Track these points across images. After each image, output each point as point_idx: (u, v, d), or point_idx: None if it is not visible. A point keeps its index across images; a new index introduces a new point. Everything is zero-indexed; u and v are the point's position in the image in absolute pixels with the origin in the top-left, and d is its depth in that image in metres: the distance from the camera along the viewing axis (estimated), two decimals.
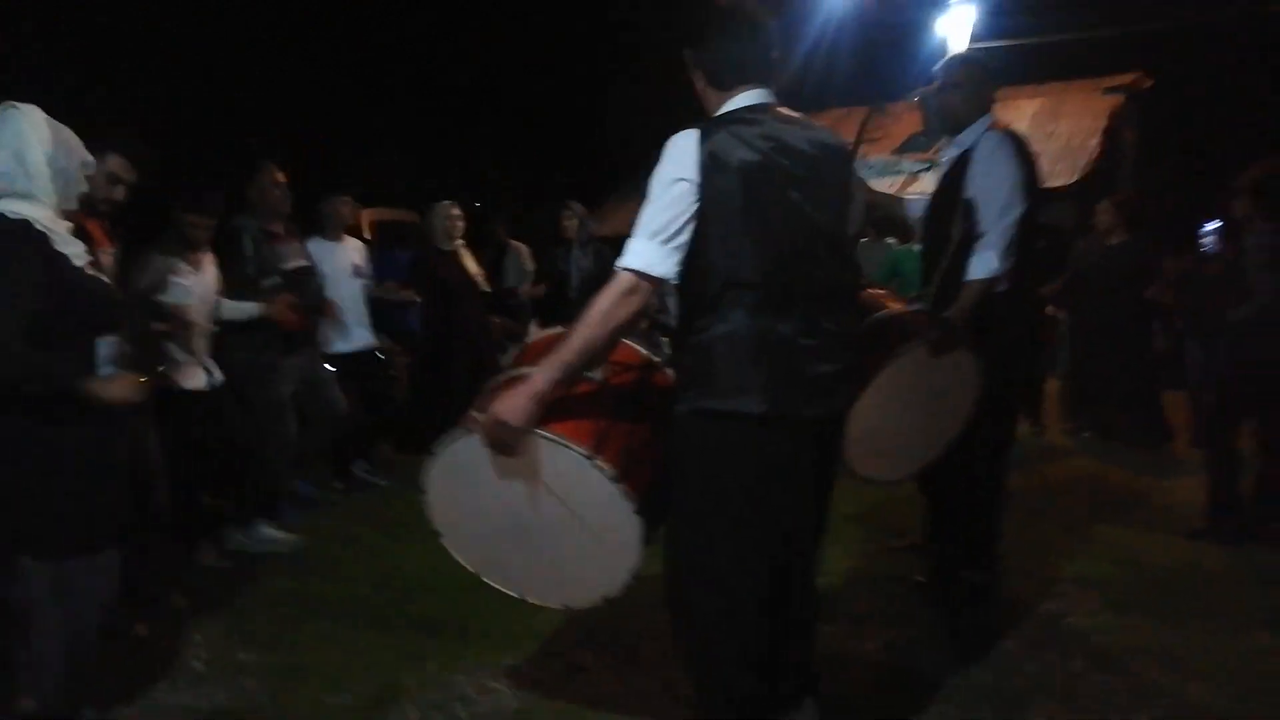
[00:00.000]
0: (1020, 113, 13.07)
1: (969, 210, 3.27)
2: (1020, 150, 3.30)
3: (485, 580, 2.41)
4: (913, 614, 3.42)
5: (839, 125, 13.83)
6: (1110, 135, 12.27)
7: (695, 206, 2.04)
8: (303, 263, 4.37)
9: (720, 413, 2.08)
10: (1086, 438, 6.28)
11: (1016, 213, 3.23)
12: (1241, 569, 3.82)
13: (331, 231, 4.88)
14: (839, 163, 2.26)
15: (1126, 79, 12.76)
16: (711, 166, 2.03)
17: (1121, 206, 6.03)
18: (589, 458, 2.07)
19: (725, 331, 2.07)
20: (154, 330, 3.50)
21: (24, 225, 2.27)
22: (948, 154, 3.47)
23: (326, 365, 4.61)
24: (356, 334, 4.91)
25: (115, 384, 2.38)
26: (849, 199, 2.30)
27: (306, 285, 4.31)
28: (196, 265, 3.79)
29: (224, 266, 3.95)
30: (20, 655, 2.45)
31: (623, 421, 2.22)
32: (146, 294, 3.56)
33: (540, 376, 2.06)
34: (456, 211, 5.54)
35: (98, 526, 2.46)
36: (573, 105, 15.52)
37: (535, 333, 2.37)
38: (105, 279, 2.51)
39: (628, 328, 2.11)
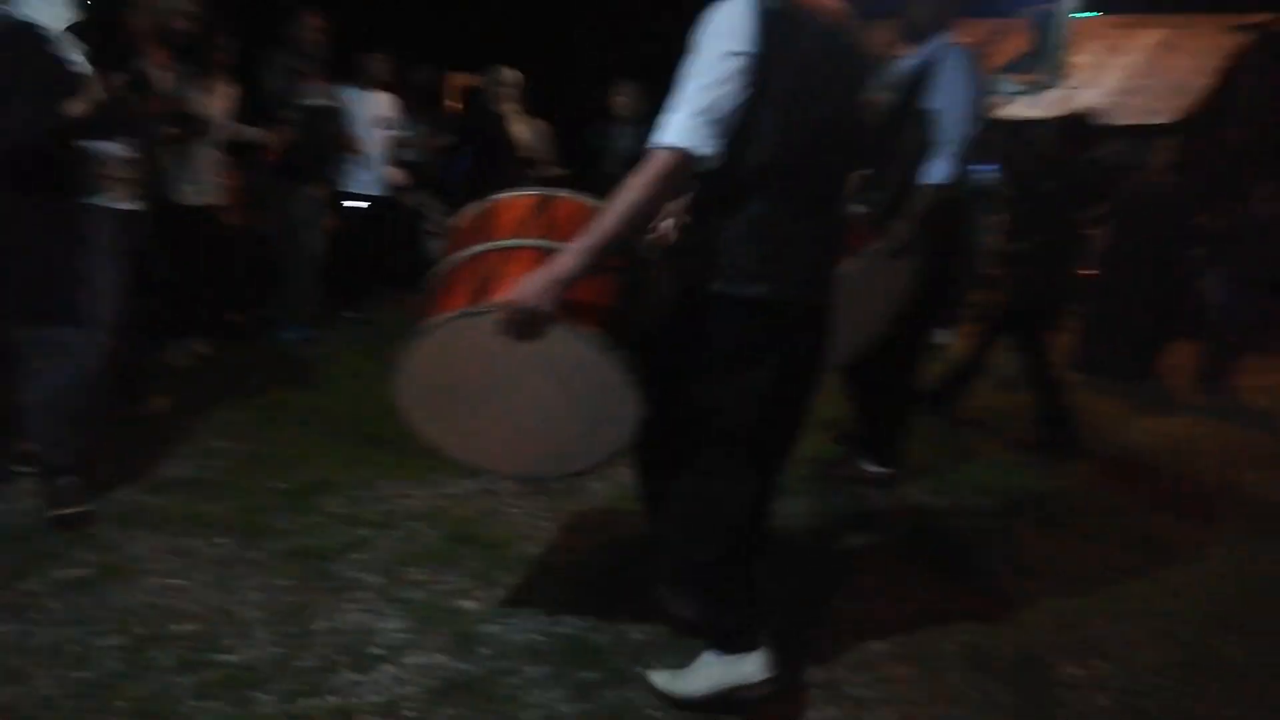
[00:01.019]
0: (1138, 44, 12.32)
1: (927, 119, 3.38)
2: (977, 69, 3.43)
3: (444, 452, 2.36)
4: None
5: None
6: (1226, 76, 11.46)
7: (748, 84, 1.88)
8: (324, 102, 4.67)
9: (755, 299, 2.01)
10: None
11: (970, 127, 3.32)
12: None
13: (364, 81, 5.19)
14: (864, 59, 2.16)
15: (1259, 18, 11.80)
16: (768, 43, 1.88)
17: (1178, 148, 5.96)
18: (607, 351, 2.02)
19: (763, 215, 1.99)
20: (167, 135, 3.86)
21: (22, 24, 2.61)
22: (906, 63, 3.53)
23: (344, 203, 5.01)
24: (369, 179, 5.27)
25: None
26: (866, 95, 2.21)
27: (323, 122, 4.63)
28: (210, 88, 4.13)
29: (248, 93, 4.32)
30: (24, 402, 2.88)
31: (608, 295, 2.15)
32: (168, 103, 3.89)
33: (568, 259, 1.91)
34: (510, 78, 5.74)
35: (95, 304, 2.82)
36: None
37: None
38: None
39: (659, 210, 2.01)
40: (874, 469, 3.79)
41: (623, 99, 6.36)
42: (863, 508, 3.55)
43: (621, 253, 2.10)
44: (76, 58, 2.68)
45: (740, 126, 1.90)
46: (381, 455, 3.59)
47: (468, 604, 2.61)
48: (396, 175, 5.44)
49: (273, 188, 4.56)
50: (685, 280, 2.10)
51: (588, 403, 2.15)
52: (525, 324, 1.93)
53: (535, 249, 2.10)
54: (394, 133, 5.38)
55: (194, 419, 3.87)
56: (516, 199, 2.28)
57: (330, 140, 4.76)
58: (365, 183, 5.29)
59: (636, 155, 2.01)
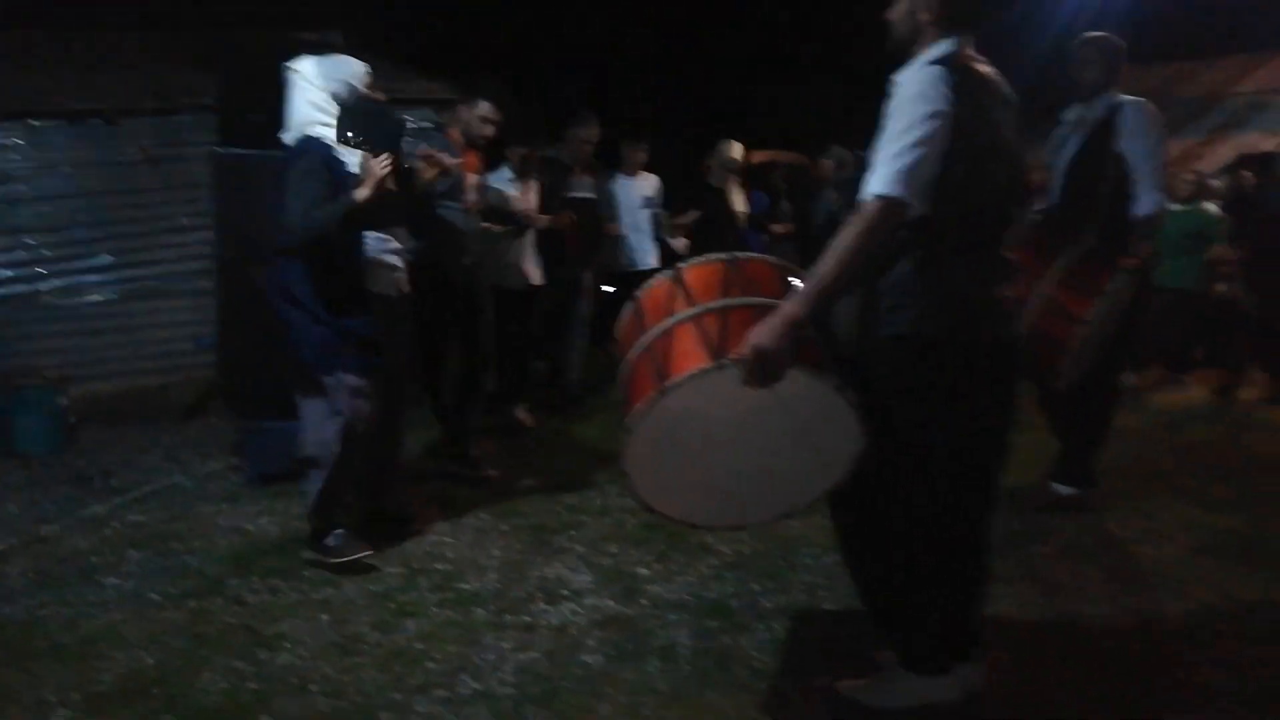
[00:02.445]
0: None
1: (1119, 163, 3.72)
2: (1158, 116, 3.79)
3: (692, 523, 2.44)
4: None
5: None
6: None
7: (948, 139, 2.04)
8: (587, 194, 5.61)
9: (940, 336, 2.12)
10: None
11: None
12: None
13: (627, 168, 6.07)
14: (1018, 110, 2.32)
15: None
16: (958, 102, 2.05)
17: None
18: (839, 389, 2.06)
19: (945, 261, 2.13)
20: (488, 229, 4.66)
21: (315, 140, 3.18)
22: (1079, 114, 3.82)
23: (605, 286, 5.89)
24: (641, 255, 6.02)
25: (367, 180, 3.11)
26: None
27: (584, 211, 5.51)
28: (528, 189, 5.09)
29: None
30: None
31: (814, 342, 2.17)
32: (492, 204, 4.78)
33: (796, 306, 2.00)
34: (732, 151, 6.31)
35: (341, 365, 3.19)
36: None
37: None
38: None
39: (877, 254, 2.10)
40: (1066, 490, 3.94)
41: (827, 162, 6.82)
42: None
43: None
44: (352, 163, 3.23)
45: (938, 179, 2.06)
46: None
47: (642, 570, 3.31)
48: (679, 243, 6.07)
49: (557, 269, 5.35)
50: (876, 322, 2.19)
51: (815, 442, 2.18)
52: (767, 369, 1.98)
53: (748, 307, 2.14)
54: (654, 211, 6.11)
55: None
56: (703, 265, 2.32)
57: (593, 225, 5.58)
58: (633, 261, 5.95)
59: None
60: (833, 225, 2.32)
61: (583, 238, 5.48)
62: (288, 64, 3.27)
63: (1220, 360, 6.69)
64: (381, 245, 3.49)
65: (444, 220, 4.16)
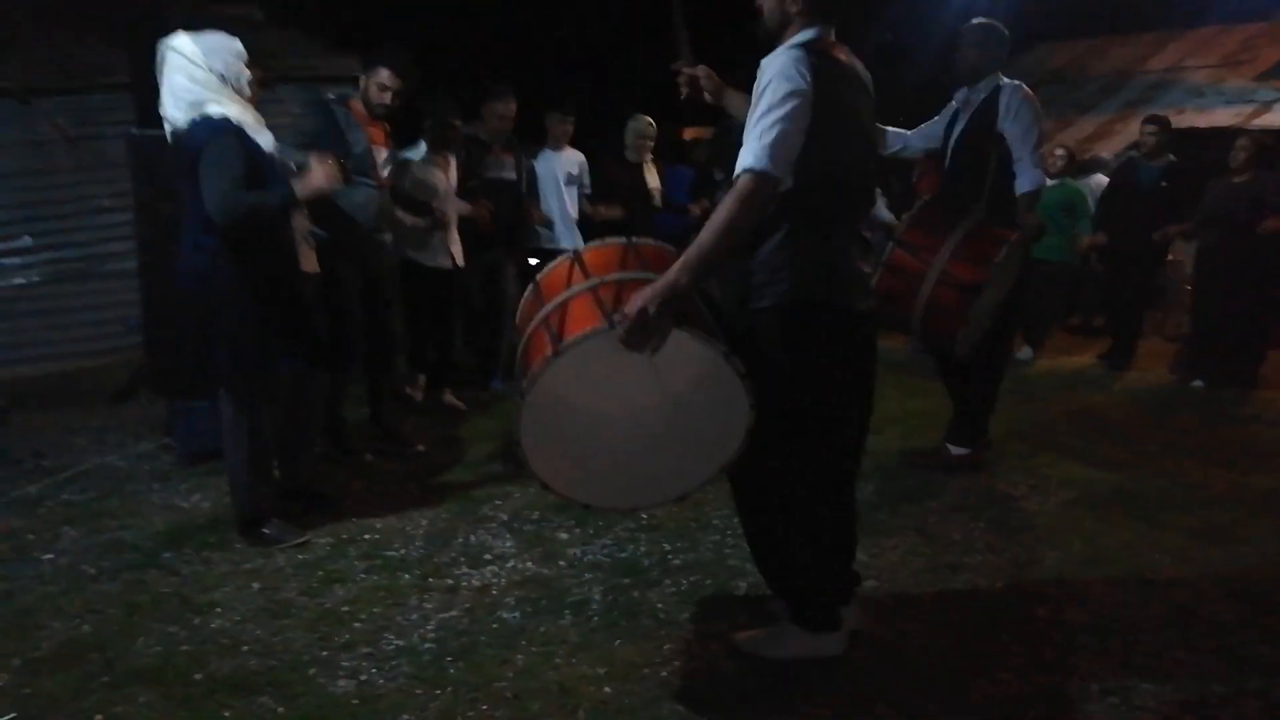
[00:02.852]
0: None
1: (1001, 142, 3.97)
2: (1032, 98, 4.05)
3: (556, 490, 2.39)
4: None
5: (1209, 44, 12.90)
6: None
7: (808, 116, 2.19)
8: (506, 175, 5.50)
9: (814, 304, 2.31)
10: (1198, 386, 6.03)
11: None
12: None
13: (552, 143, 5.98)
14: (872, 92, 2.51)
15: None
16: (816, 83, 2.20)
17: (1256, 143, 5.93)
18: (726, 355, 2.16)
19: (814, 233, 2.31)
20: (411, 224, 4.76)
21: (225, 120, 3.11)
22: (964, 97, 4.09)
23: (530, 259, 5.76)
24: (562, 233, 5.96)
25: (314, 174, 3.20)
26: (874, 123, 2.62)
27: (501, 193, 5.41)
28: (445, 165, 5.05)
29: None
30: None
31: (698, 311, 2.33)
32: (407, 190, 4.87)
33: (678, 274, 2.11)
34: (645, 129, 6.14)
35: (273, 352, 3.30)
36: None
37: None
38: (282, 160, 3.38)
39: (751, 227, 2.22)
40: (960, 450, 4.25)
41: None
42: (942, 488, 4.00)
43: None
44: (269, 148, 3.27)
45: (802, 155, 2.21)
46: None
47: (562, 535, 3.52)
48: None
49: (478, 255, 5.25)
50: (751, 296, 2.37)
51: (706, 412, 2.28)
52: (648, 330, 2.09)
53: (642, 280, 2.22)
54: (577, 189, 6.03)
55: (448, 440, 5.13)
56: (602, 247, 2.51)
57: (513, 208, 5.51)
58: (554, 240, 5.89)
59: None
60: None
61: (502, 222, 5.44)
62: (162, 41, 3.20)
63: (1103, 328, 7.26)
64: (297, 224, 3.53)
65: (344, 205, 4.02)
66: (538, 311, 2.37)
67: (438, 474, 4.25)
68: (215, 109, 3.15)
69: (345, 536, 3.50)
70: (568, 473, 2.36)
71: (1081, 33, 14.62)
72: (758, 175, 2.15)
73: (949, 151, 4.18)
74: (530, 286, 2.55)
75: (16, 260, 5.96)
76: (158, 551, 3.37)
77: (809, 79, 2.19)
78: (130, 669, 2.58)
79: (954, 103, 4.20)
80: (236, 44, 3.27)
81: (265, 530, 3.41)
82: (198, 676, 2.55)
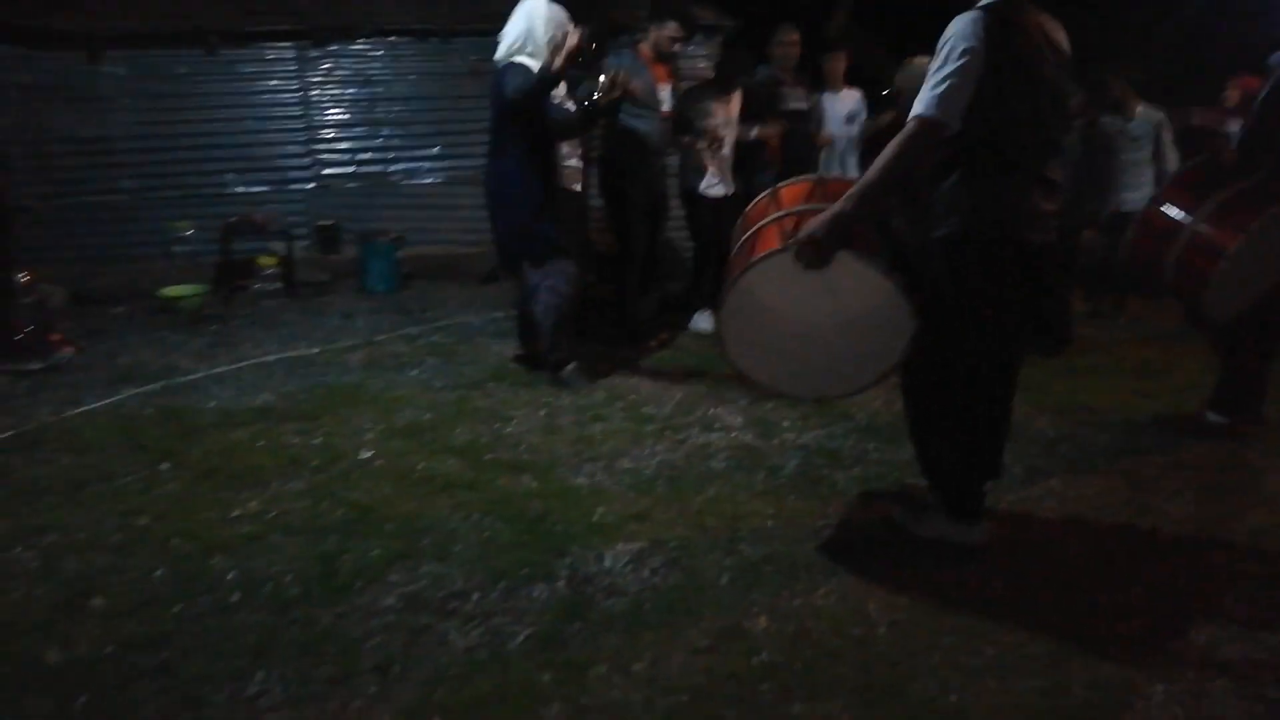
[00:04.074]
0: None
1: None
2: None
3: (751, 381, 2.89)
4: None
5: None
6: None
7: (979, 71, 2.45)
8: (801, 105, 5.95)
9: (983, 238, 2.60)
10: None
11: None
12: None
13: (831, 84, 6.26)
14: (1064, 55, 2.73)
15: None
16: (992, 41, 2.45)
17: None
18: (887, 273, 2.57)
19: (991, 175, 2.60)
20: (685, 143, 5.36)
21: (524, 68, 4.11)
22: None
23: None
24: (849, 165, 6.20)
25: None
26: (1069, 73, 2.80)
27: (796, 122, 5.87)
28: (728, 99, 5.49)
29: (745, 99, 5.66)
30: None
31: (873, 240, 2.77)
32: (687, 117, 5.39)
33: (844, 203, 2.49)
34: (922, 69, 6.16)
35: (557, 247, 4.32)
36: None
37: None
38: (572, 108, 4.41)
39: (921, 167, 2.55)
40: (1215, 418, 4.15)
41: None
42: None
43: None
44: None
45: (974, 104, 2.46)
46: None
47: (785, 422, 4.13)
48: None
49: (762, 177, 5.42)
50: (933, 225, 2.66)
51: (871, 323, 2.66)
52: (815, 253, 2.50)
53: (818, 210, 2.62)
54: (859, 126, 6.22)
55: None
56: (797, 183, 3.11)
57: (806, 138, 5.95)
58: (842, 168, 6.14)
59: None
60: None
61: (793, 149, 5.80)
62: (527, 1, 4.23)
63: None
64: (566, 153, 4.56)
65: (628, 129, 4.89)
66: (760, 221, 2.97)
67: (704, 363, 5.02)
68: (522, 58, 4.17)
69: (615, 394, 4.42)
70: (758, 361, 2.84)
71: None
72: (925, 120, 2.47)
73: (1254, 112, 4.00)
74: (768, 192, 3.16)
75: (428, 164, 7.67)
76: (484, 381, 4.54)
77: (982, 39, 2.46)
78: (448, 444, 3.70)
79: (1270, 65, 4.00)
80: (561, 14, 4.21)
81: (563, 375, 4.41)
82: (487, 458, 3.59)
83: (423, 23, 7.55)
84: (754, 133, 5.59)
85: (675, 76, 5.25)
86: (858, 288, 2.65)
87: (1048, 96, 2.66)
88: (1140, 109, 5.80)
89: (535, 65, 4.15)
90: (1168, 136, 5.86)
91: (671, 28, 4.98)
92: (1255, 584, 2.83)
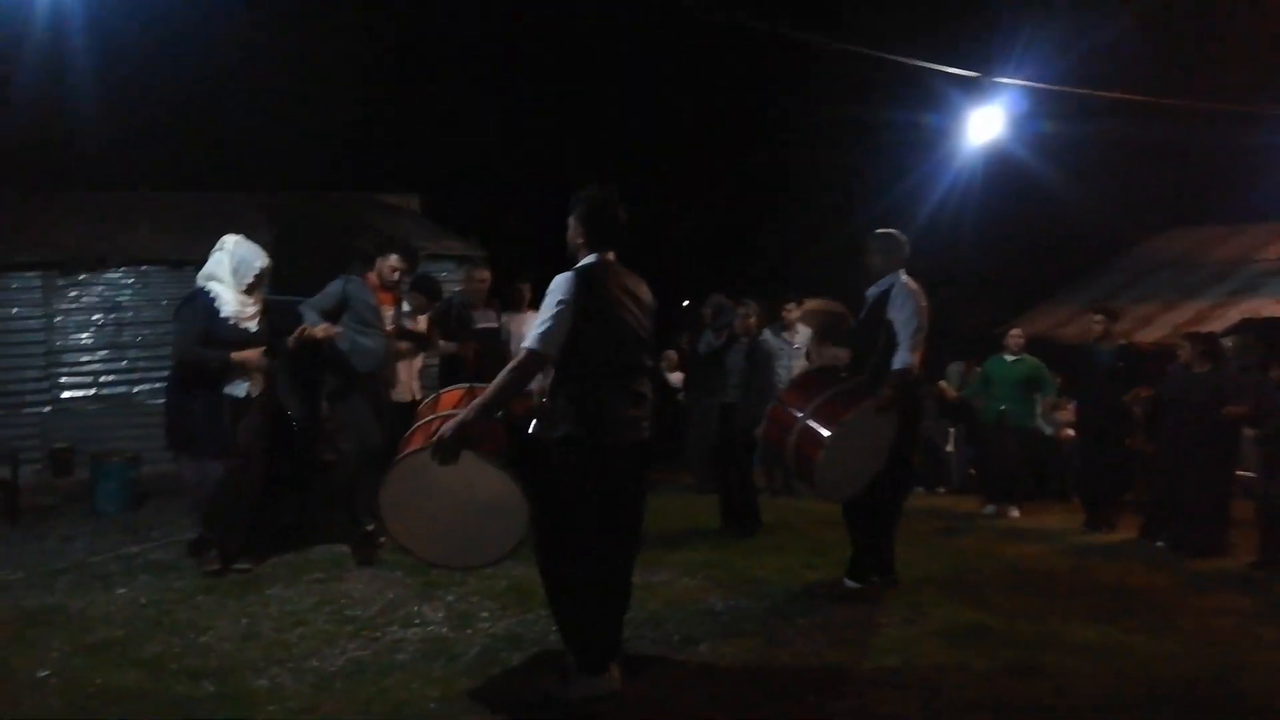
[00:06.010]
0: None
1: (889, 328, 4.80)
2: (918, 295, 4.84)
3: (410, 552, 3.62)
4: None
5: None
6: None
7: (571, 318, 3.28)
8: (490, 325, 6.77)
9: (585, 439, 3.31)
10: (1160, 547, 6.40)
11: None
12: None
13: (514, 306, 7.33)
14: (644, 299, 3.56)
15: None
16: (580, 295, 3.30)
17: (1200, 342, 6.42)
18: (505, 467, 3.33)
19: (585, 391, 3.34)
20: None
21: (204, 291, 4.93)
22: (871, 292, 4.97)
23: None
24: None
25: (248, 354, 4.88)
26: (650, 314, 3.63)
27: (487, 339, 6.62)
28: (418, 321, 6.22)
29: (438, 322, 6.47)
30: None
31: (500, 439, 3.54)
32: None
33: (468, 413, 3.30)
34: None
35: (210, 446, 4.90)
36: None
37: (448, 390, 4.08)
38: (247, 328, 5.00)
39: (523, 386, 3.50)
40: (852, 584, 4.90)
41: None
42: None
43: (506, 411, 3.62)
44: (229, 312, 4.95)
45: (571, 339, 3.31)
46: None
47: (484, 614, 4.48)
48: None
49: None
50: (545, 429, 3.46)
51: (496, 506, 3.38)
52: (445, 450, 3.26)
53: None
54: None
55: None
56: (453, 390, 3.99)
57: (494, 352, 6.55)
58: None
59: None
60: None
61: (485, 363, 6.31)
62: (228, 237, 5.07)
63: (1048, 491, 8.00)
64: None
65: (357, 344, 5.45)
66: (421, 419, 3.68)
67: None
68: (213, 285, 4.97)
69: (328, 597, 4.66)
70: (416, 537, 3.57)
71: (1214, 219, 14.97)
72: (532, 352, 3.29)
73: (855, 333, 5.08)
74: (431, 396, 3.95)
75: None
76: (194, 594, 4.64)
77: (573, 293, 3.31)
78: (135, 659, 3.79)
79: (867, 296, 5.10)
80: (253, 253, 5.04)
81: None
82: (173, 668, 3.72)
83: (177, 254, 7.94)
84: (453, 347, 6.38)
85: (398, 301, 5.82)
86: (482, 480, 3.38)
87: (630, 332, 3.45)
88: (800, 327, 7.07)
89: (223, 291, 4.97)
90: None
91: (394, 260, 5.64)
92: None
